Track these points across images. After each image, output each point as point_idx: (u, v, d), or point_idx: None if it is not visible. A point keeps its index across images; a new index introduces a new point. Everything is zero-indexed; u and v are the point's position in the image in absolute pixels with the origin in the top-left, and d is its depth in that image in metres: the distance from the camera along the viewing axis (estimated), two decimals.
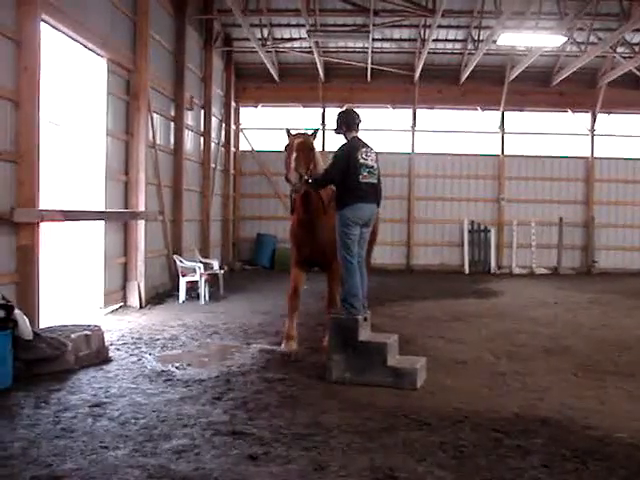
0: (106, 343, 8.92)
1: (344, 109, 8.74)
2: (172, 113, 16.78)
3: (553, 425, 6.22)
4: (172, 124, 16.84)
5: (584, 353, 9.74)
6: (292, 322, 9.13)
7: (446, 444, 5.61)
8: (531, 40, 18.38)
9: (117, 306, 13.09)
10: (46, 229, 10.20)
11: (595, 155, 24.91)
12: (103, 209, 12.48)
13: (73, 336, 8.15)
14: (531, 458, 5.35)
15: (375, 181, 8.20)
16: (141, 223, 13.78)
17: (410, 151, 24.47)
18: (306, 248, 9.10)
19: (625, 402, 7.14)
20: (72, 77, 11.80)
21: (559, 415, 6.53)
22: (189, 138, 18.25)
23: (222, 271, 16.02)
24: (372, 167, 8.14)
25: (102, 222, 12.50)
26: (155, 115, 15.00)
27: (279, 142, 23.71)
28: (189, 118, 18.06)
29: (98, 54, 12.20)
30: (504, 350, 9.78)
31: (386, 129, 24.24)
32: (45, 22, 9.85)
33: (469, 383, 7.79)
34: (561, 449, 5.56)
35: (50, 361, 7.72)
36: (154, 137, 14.91)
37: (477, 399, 7.08)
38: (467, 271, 23.82)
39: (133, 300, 13.52)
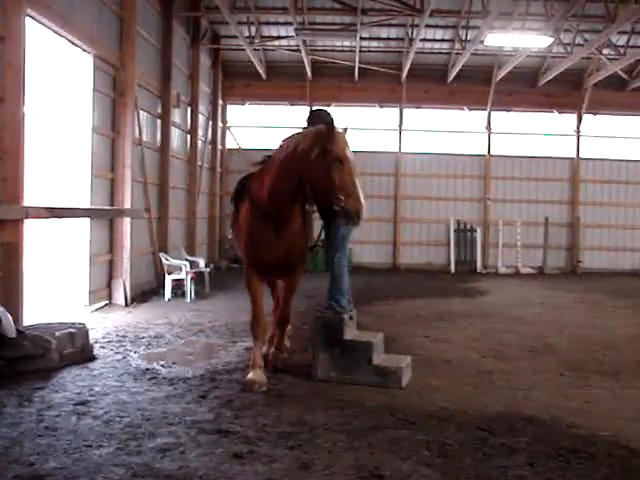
0: (91, 341, 8.87)
1: (315, 109, 8.37)
2: (159, 110, 16.71)
3: (538, 424, 6.24)
4: (159, 121, 16.77)
5: (569, 352, 9.77)
6: (260, 349, 7.68)
7: (431, 443, 5.61)
8: (518, 41, 18.45)
9: (102, 304, 13.02)
10: (31, 226, 10.14)
11: (581, 156, 25.03)
12: (89, 206, 12.41)
13: (57, 334, 8.10)
14: (516, 456, 5.36)
15: None
16: (127, 221, 13.73)
17: (397, 150, 24.49)
18: (270, 253, 7.25)
19: (609, 401, 7.18)
20: (58, 73, 11.74)
21: (544, 414, 6.55)
22: (176, 136, 18.18)
23: (208, 269, 15.98)
24: None
25: (88, 219, 12.43)
26: (142, 112, 14.93)
27: (266, 140, 24.12)
28: (176, 115, 18.00)
29: (84, 50, 12.13)
30: (490, 349, 9.81)
31: (373, 128, 24.26)
32: (30, 17, 9.78)
33: (455, 382, 7.80)
34: (546, 448, 5.58)
35: (34, 359, 7.67)
36: (140, 134, 14.85)
37: (462, 398, 7.09)
38: (453, 270, 23.88)
39: (118, 298, 13.45)
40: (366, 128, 23.72)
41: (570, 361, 9.14)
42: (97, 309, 12.63)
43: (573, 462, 5.28)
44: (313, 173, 6.65)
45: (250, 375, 7.34)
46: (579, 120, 24.94)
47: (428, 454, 5.37)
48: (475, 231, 24.13)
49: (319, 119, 7.47)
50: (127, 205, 13.65)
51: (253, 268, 7.49)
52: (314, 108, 8.30)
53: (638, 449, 5.60)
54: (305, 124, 7.88)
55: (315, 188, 6.73)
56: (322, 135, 6.69)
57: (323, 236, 7.99)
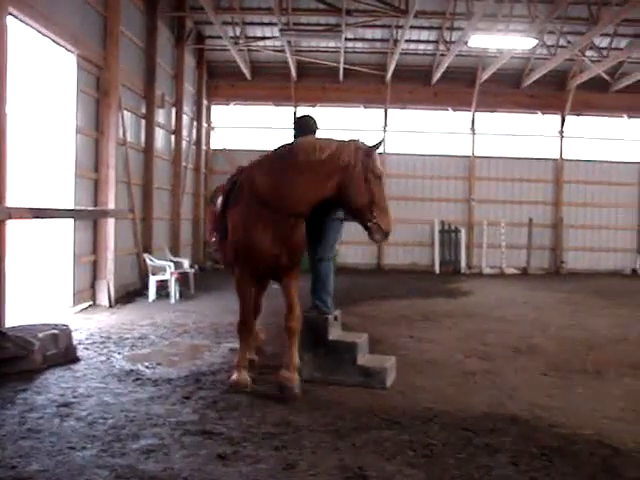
0: (74, 342, 8.82)
1: (301, 115, 8.26)
2: (143, 111, 16.65)
3: (521, 423, 6.27)
4: (143, 122, 16.71)
5: (552, 352, 9.82)
6: (245, 351, 7.54)
7: (416, 443, 5.63)
8: (502, 42, 18.56)
9: (86, 305, 12.96)
10: (14, 227, 10.08)
11: (564, 157, 25.20)
12: (72, 207, 12.35)
13: (40, 335, 8.05)
14: (500, 456, 5.39)
15: None
16: (111, 221, 13.67)
17: (381, 151, 24.47)
18: (272, 255, 7.03)
19: (591, 400, 7.22)
20: (41, 73, 11.67)
21: (527, 413, 6.58)
22: (160, 136, 18.14)
23: (192, 270, 15.95)
24: None
25: (71, 220, 12.37)
26: (126, 112, 14.88)
27: (251, 141, 24.12)
28: (160, 116, 17.96)
29: (68, 50, 12.05)
30: (474, 349, 9.84)
31: (358, 129, 24.27)
32: (13, 16, 9.71)
33: (439, 382, 7.82)
34: (529, 447, 5.60)
35: (16, 360, 7.62)
36: (124, 135, 14.79)
37: (446, 398, 7.11)
38: (437, 271, 23.96)
39: (102, 299, 13.39)
40: (351, 129, 23.72)
41: (553, 361, 9.19)
42: (81, 310, 12.56)
43: (556, 461, 5.31)
44: (354, 186, 6.71)
45: (234, 376, 7.30)
46: (562, 121, 25.11)
47: (412, 454, 5.38)
48: (459, 232, 24.22)
49: (307, 125, 7.72)
50: (111, 206, 13.59)
51: (250, 270, 7.26)
52: (300, 114, 8.24)
53: (620, 448, 5.64)
54: (293, 129, 7.91)
55: (354, 201, 6.78)
56: (363, 151, 6.79)
57: None
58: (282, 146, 7.21)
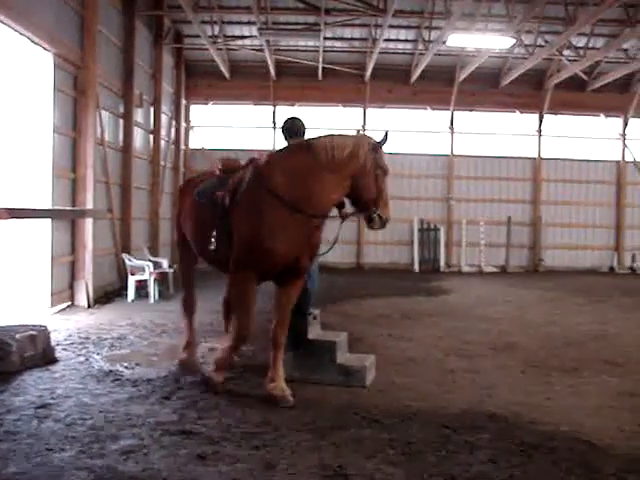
0: (52, 343, 8.74)
1: (290, 117, 8.00)
2: (121, 110, 16.57)
3: (500, 420, 6.31)
4: (121, 121, 16.63)
5: (531, 350, 9.89)
6: (233, 353, 7.45)
7: (395, 441, 5.64)
8: (480, 41, 18.66)
9: (64, 305, 12.88)
10: None
11: (542, 155, 25.38)
12: (50, 207, 12.26)
13: (18, 336, 7.97)
14: (478, 453, 5.41)
15: None
16: (89, 221, 13.59)
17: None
18: (292, 258, 6.83)
19: (569, 397, 7.28)
20: (17, 72, 11.57)
21: (506, 411, 6.62)
22: (138, 135, 18.05)
23: (172, 270, 15.88)
24: None
25: (49, 220, 12.28)
26: (104, 112, 14.80)
27: (230, 140, 24.07)
28: (138, 115, 17.87)
29: (45, 49, 11.98)
30: (453, 347, 9.89)
31: (337, 128, 24.27)
32: None
33: (418, 380, 7.85)
34: (508, 444, 5.63)
35: None
36: (102, 134, 14.72)
37: (426, 396, 7.13)
38: (417, 269, 24.03)
39: (81, 299, 13.31)
40: (330, 128, 23.71)
41: (532, 358, 9.25)
42: (59, 311, 12.48)
43: (534, 457, 5.34)
44: (367, 183, 6.83)
45: (213, 374, 7.23)
46: (540, 120, 25.28)
47: (392, 452, 5.40)
48: (438, 230, 24.31)
49: (296, 128, 7.78)
50: (89, 205, 13.51)
51: (260, 273, 6.92)
52: (288, 116, 8.06)
53: (597, 443, 5.69)
54: (282, 132, 7.89)
55: (365, 196, 6.87)
56: (373, 147, 6.90)
57: None
58: (297, 145, 7.15)
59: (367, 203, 6.89)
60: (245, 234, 6.80)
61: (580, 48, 21.17)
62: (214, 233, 7.10)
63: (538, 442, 5.70)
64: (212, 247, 7.11)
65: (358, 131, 7.76)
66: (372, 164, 6.81)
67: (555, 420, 6.33)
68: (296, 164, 6.83)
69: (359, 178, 6.77)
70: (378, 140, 6.95)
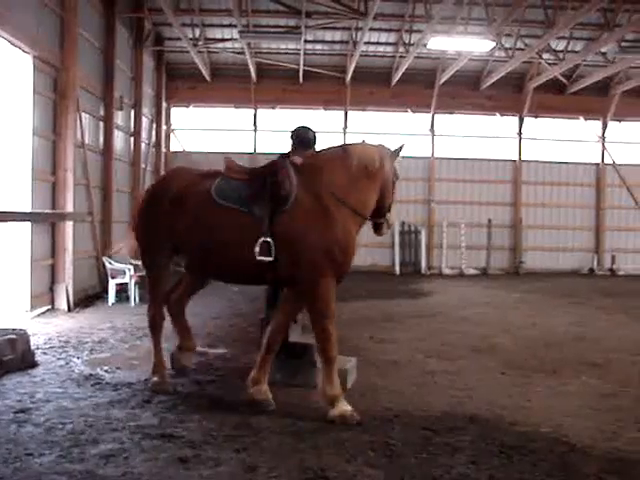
0: (32, 347, 8.68)
1: (299, 126, 7.97)
2: (101, 113, 16.50)
3: (481, 422, 6.34)
4: (101, 124, 16.56)
5: (512, 351, 9.95)
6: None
7: (376, 443, 5.65)
8: (460, 44, 18.74)
9: (44, 309, 12.78)
10: None
11: (522, 158, 25.53)
12: (29, 210, 12.18)
13: None
14: (459, 455, 5.44)
15: None
16: (69, 224, 13.52)
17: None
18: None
19: (549, 398, 7.33)
20: None
21: (487, 412, 6.65)
22: (119, 138, 17.97)
23: None
24: None
25: (28, 223, 12.20)
26: (84, 114, 14.72)
27: (211, 143, 24.02)
28: (119, 118, 17.79)
29: (24, 51, 11.90)
30: (434, 349, 9.92)
31: (318, 131, 24.24)
32: None
33: (399, 382, 7.87)
34: (488, 445, 5.67)
35: None
36: (83, 137, 14.64)
37: (407, 398, 7.16)
38: (398, 272, 24.07)
39: (61, 303, 13.23)
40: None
41: (512, 360, 9.30)
42: (39, 314, 12.39)
43: (515, 459, 5.38)
44: (389, 190, 7.17)
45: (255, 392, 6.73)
46: (520, 123, 25.43)
47: (373, 454, 5.41)
48: (419, 232, 24.37)
49: (308, 137, 7.76)
50: (69, 208, 13.43)
51: (334, 277, 6.69)
52: (301, 125, 7.92)
53: (577, 444, 5.73)
54: (291, 141, 7.77)
55: (386, 203, 7.19)
56: (392, 156, 7.23)
57: None
58: (335, 150, 7.15)
59: (381, 210, 7.18)
60: (317, 240, 6.50)
61: (559, 51, 21.34)
62: (261, 240, 6.47)
63: (518, 443, 5.73)
64: (261, 257, 6.44)
65: (363, 140, 7.53)
66: (393, 172, 7.17)
67: (535, 421, 6.38)
68: (344, 168, 6.83)
69: (384, 185, 7.05)
70: (394, 149, 7.28)
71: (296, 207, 6.58)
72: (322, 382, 6.54)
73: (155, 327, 7.57)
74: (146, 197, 7.67)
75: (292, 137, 7.77)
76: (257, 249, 6.42)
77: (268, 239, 6.46)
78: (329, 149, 7.23)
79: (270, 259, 6.43)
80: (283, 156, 7.16)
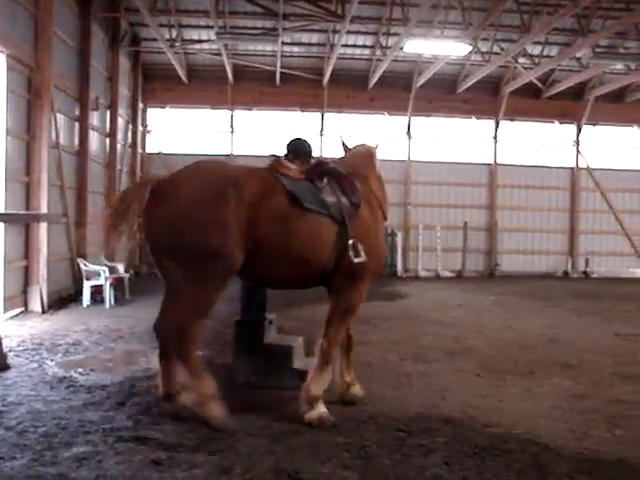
0: (5, 350, 8.60)
1: (295, 138, 7.63)
2: (76, 113, 16.39)
3: (455, 424, 6.37)
4: (76, 124, 16.45)
5: (486, 354, 10.00)
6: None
7: (351, 445, 5.66)
8: (437, 48, 18.84)
9: (17, 311, 12.67)
10: None
11: (498, 161, 25.70)
12: (3, 211, 12.06)
13: None
14: (433, 456, 5.46)
15: None
16: (43, 225, 13.40)
17: (318, 155, 24.57)
18: None
19: (523, 400, 7.38)
20: None
21: (461, 414, 6.69)
22: (94, 139, 17.86)
23: (128, 275, 15.74)
24: None
25: (1, 224, 12.08)
26: (58, 115, 14.61)
27: (187, 144, 23.94)
28: (94, 119, 17.68)
29: None
30: (409, 352, 9.95)
31: (294, 133, 24.33)
32: None
33: (374, 384, 7.88)
34: (462, 446, 5.69)
35: None
36: (57, 137, 14.54)
37: (382, 400, 7.17)
38: None
39: (35, 305, 13.11)
40: (287, 133, 23.75)
41: (487, 362, 9.36)
42: (12, 317, 12.27)
43: (488, 459, 5.41)
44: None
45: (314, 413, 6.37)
46: (496, 126, 25.62)
47: (347, 456, 5.42)
48: (396, 235, 24.42)
49: (303, 149, 7.45)
50: (43, 210, 13.32)
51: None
52: (296, 137, 7.74)
53: (550, 444, 5.78)
54: (287, 151, 7.39)
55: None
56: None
57: None
58: (370, 156, 7.46)
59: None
60: (374, 244, 6.72)
61: (535, 56, 21.52)
62: (351, 242, 6.42)
63: (492, 444, 5.77)
64: (361, 259, 6.40)
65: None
66: None
67: (509, 422, 6.42)
68: (375, 173, 7.27)
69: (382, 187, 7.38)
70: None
71: (360, 213, 6.64)
72: (309, 380, 6.46)
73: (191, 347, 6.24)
74: (187, 195, 6.04)
75: (289, 148, 7.44)
76: (351, 252, 6.38)
77: (352, 241, 6.45)
78: (355, 152, 7.49)
79: (363, 259, 6.41)
80: (279, 159, 6.83)
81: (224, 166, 6.69)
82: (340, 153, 7.71)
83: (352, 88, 24.56)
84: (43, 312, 13.00)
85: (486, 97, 25.18)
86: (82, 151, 16.62)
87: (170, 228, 5.98)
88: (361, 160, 7.29)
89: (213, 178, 6.20)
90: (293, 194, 6.31)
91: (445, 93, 24.91)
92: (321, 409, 6.30)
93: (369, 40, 22.48)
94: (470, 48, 18.67)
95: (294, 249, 6.27)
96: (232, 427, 5.88)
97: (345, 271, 6.52)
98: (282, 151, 7.28)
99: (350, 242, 6.39)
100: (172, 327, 6.12)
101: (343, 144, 7.64)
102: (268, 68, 23.20)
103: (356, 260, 6.36)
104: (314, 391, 6.36)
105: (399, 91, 24.58)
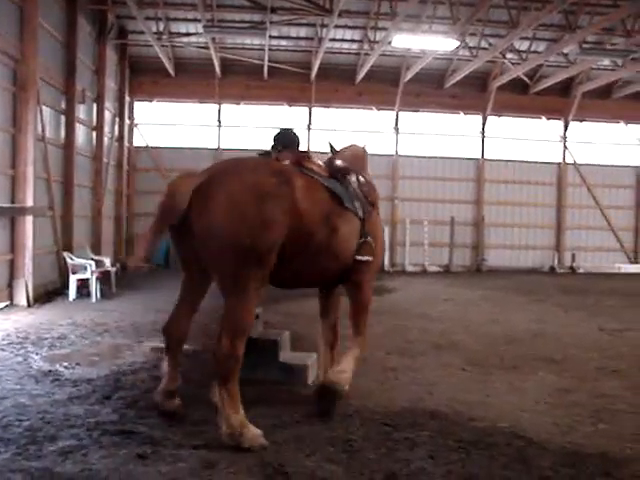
0: None
1: (283, 128, 7.68)
2: (63, 106, 16.31)
3: (440, 418, 6.38)
4: (63, 117, 16.36)
5: (472, 348, 10.03)
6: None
7: (336, 439, 5.66)
8: (425, 43, 18.87)
9: (3, 305, 12.61)
10: None
11: (485, 156, 25.77)
12: None
13: None
14: (418, 450, 5.47)
15: None
16: (29, 219, 13.34)
17: (305, 149, 24.51)
18: None
19: (508, 394, 7.40)
20: None
21: (446, 408, 6.70)
22: (81, 132, 17.78)
23: (114, 268, 15.70)
24: None
25: None
26: (45, 107, 14.53)
27: (174, 138, 23.87)
28: (81, 112, 17.60)
29: None
30: (395, 346, 9.96)
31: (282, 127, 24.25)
32: None
33: (360, 378, 7.83)
34: (447, 440, 5.70)
35: None
36: (43, 130, 14.45)
37: (368, 394, 7.18)
38: None
39: (20, 298, 13.06)
40: (275, 127, 23.67)
41: (473, 356, 9.38)
42: None
43: (473, 453, 5.42)
44: None
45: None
46: (484, 122, 25.67)
47: (332, 450, 5.42)
48: (383, 230, 24.41)
49: (290, 138, 7.42)
50: (29, 203, 13.26)
51: None
52: (283, 128, 7.76)
53: (534, 438, 5.80)
54: (273, 142, 7.29)
55: None
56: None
57: None
58: (365, 154, 7.73)
59: None
60: (381, 242, 7.13)
61: (522, 52, 21.58)
62: (362, 241, 6.54)
63: (477, 438, 5.78)
64: (370, 257, 6.60)
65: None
66: None
67: (494, 417, 6.44)
68: (363, 170, 7.38)
69: None
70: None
71: (371, 212, 6.84)
72: (340, 366, 6.55)
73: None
74: (250, 192, 5.58)
75: (277, 139, 7.28)
76: (366, 249, 6.57)
77: (370, 239, 6.62)
78: (350, 152, 7.59)
79: (370, 259, 6.64)
80: (269, 153, 6.86)
81: (267, 161, 6.50)
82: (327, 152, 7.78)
83: (340, 82, 24.55)
84: (29, 306, 12.95)
85: (474, 92, 25.22)
86: (68, 144, 16.54)
87: (222, 228, 5.46)
88: (356, 160, 7.37)
89: (262, 174, 5.79)
90: (333, 191, 6.30)
91: (433, 88, 24.93)
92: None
93: (357, 34, 22.46)
94: (458, 43, 18.71)
95: (334, 247, 6.23)
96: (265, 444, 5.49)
97: (362, 268, 6.68)
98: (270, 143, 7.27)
99: (368, 239, 6.59)
100: (226, 351, 5.68)
101: (331, 146, 7.64)
102: (256, 62, 23.16)
103: (365, 258, 6.58)
104: (340, 377, 6.42)
105: (387, 86, 24.58)
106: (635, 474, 5.10)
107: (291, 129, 7.74)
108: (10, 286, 13.10)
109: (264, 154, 6.87)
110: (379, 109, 25.31)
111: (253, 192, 5.57)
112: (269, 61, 22.90)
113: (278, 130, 7.55)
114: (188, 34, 21.61)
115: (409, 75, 23.16)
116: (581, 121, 26.34)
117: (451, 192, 25.59)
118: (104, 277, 14.93)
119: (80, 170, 17.46)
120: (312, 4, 17.76)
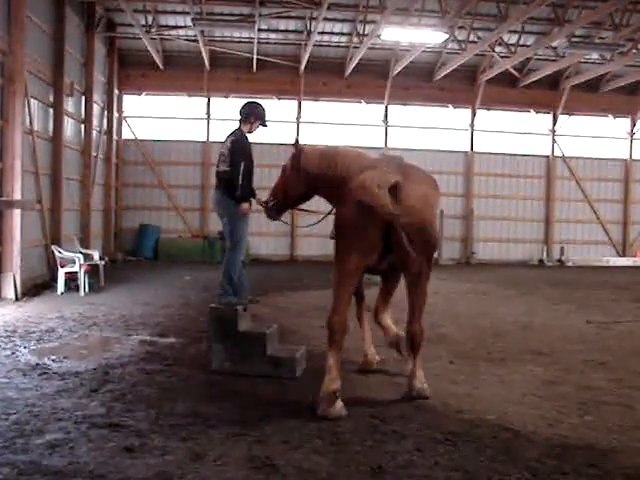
0: None
1: (248, 101, 8.68)
2: (51, 99, 16.23)
3: (428, 410, 6.41)
4: (51, 110, 16.29)
5: (460, 341, 10.07)
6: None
7: (323, 431, 5.68)
8: (414, 36, 18.88)
9: None
10: None
11: (475, 149, 25.82)
12: None
13: None
14: (405, 442, 5.49)
15: (223, 168, 8.21)
16: (17, 212, 13.27)
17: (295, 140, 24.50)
18: None
19: (495, 386, 7.44)
20: None
21: (434, 400, 6.73)
22: (69, 125, 17.71)
23: (103, 262, 15.66)
24: (223, 154, 8.21)
25: None
26: (32, 100, 14.47)
27: (163, 131, 23.81)
28: (69, 104, 17.52)
29: None
30: (383, 339, 9.96)
31: (271, 120, 24.17)
32: None
33: (348, 371, 7.90)
34: (434, 433, 5.73)
35: None
36: (31, 123, 14.39)
37: (355, 387, 7.21)
38: None
39: (8, 292, 13.00)
40: (264, 120, 23.62)
41: (461, 349, 9.43)
42: None
43: (460, 445, 5.45)
44: None
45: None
46: (473, 115, 25.71)
47: (320, 442, 5.44)
48: None
49: (256, 111, 8.71)
50: (17, 196, 13.19)
51: None
52: (249, 101, 8.40)
53: (521, 431, 5.83)
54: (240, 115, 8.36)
55: None
56: None
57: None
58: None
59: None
60: None
61: (511, 45, 21.61)
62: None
63: (464, 430, 5.82)
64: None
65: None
66: None
67: (481, 409, 6.48)
68: None
69: None
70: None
71: None
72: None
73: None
74: (367, 178, 6.81)
75: (243, 112, 8.65)
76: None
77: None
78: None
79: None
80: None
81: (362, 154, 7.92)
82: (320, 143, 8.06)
83: (329, 75, 24.53)
84: (16, 299, 12.89)
85: (463, 85, 25.25)
86: (56, 137, 16.47)
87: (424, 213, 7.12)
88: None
89: (411, 166, 7.61)
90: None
91: (422, 81, 24.95)
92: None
93: (346, 27, 22.44)
94: (447, 36, 18.73)
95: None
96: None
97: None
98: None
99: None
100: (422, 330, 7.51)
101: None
102: (245, 55, 23.11)
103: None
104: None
105: (376, 79, 24.58)
106: (621, 465, 5.13)
107: (257, 103, 8.85)
108: None
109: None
110: (368, 102, 25.31)
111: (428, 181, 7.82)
112: (258, 54, 22.85)
113: (245, 102, 8.72)
114: (177, 27, 21.55)
115: (398, 68, 23.15)
116: (570, 114, 26.40)
117: (440, 185, 25.50)
118: (92, 271, 14.89)
119: (68, 163, 17.39)
120: None
